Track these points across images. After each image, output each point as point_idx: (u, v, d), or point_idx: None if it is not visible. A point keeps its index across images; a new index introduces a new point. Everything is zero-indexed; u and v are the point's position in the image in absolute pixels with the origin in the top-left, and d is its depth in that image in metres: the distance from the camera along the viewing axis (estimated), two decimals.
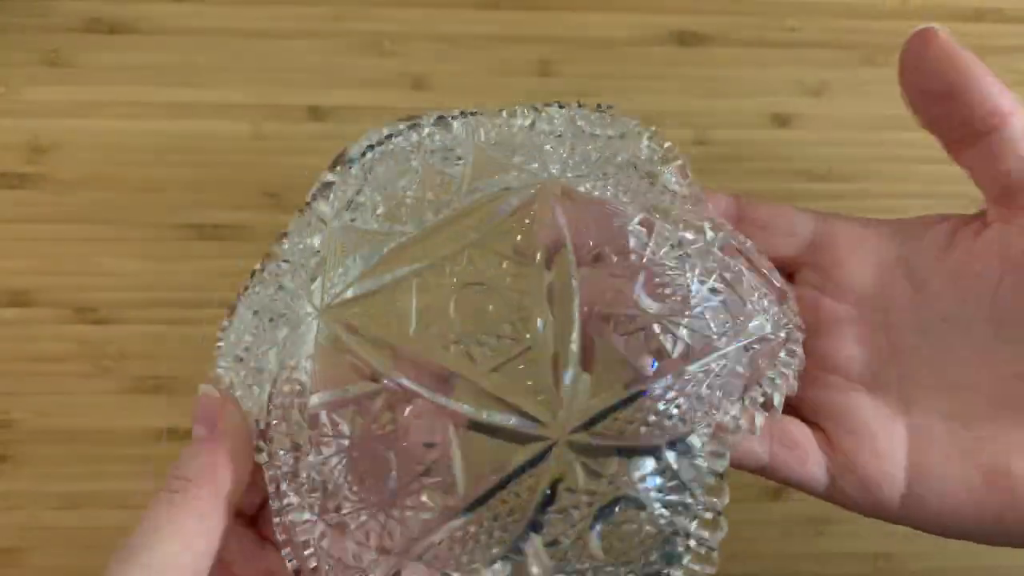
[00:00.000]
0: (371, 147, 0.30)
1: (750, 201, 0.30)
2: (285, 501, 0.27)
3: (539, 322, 0.26)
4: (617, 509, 0.25)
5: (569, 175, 0.29)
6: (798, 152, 0.41)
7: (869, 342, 0.27)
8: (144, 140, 0.39)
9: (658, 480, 0.26)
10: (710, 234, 0.28)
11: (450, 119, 0.30)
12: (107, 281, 0.39)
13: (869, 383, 0.27)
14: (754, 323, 0.27)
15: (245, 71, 0.40)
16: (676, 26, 0.42)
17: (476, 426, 0.26)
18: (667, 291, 0.27)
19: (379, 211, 0.29)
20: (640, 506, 0.25)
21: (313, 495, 0.26)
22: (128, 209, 0.39)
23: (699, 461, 0.26)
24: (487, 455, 0.26)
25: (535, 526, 0.25)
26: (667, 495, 0.26)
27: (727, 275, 0.27)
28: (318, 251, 0.29)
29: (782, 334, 0.27)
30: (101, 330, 0.39)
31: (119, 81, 0.40)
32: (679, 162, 0.31)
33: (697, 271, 0.27)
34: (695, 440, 0.26)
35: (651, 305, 0.27)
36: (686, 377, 0.26)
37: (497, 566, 0.25)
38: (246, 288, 0.30)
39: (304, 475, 0.26)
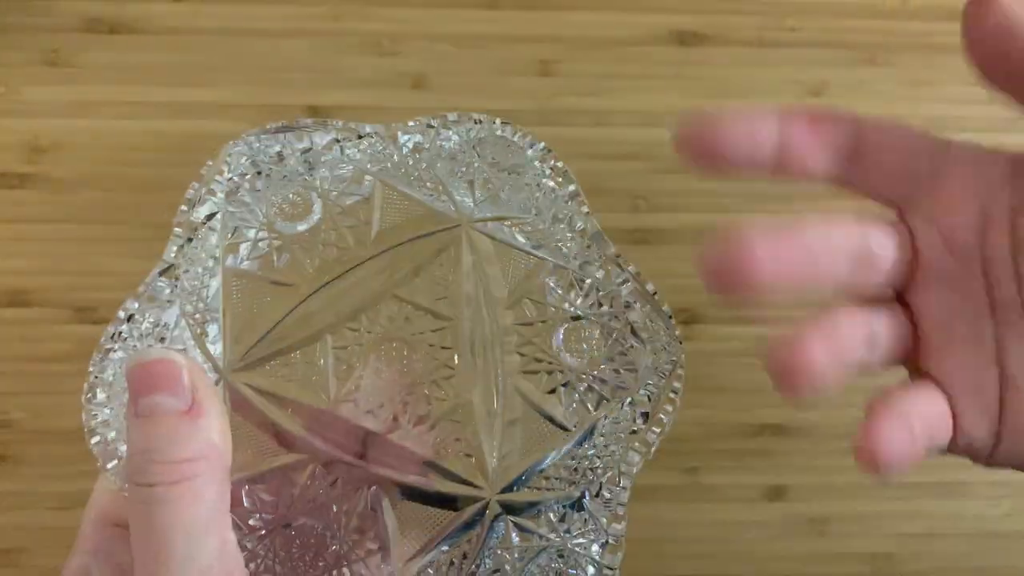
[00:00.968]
0: (258, 172, 0.28)
1: (870, 129, 0.26)
2: None
3: (463, 381, 0.26)
4: (542, 557, 0.26)
5: (479, 214, 0.28)
6: None
7: (967, 295, 0.25)
8: (144, 140, 0.39)
9: (576, 524, 0.26)
10: (615, 276, 0.28)
11: (340, 140, 0.29)
12: (107, 281, 0.39)
13: (967, 337, 0.26)
14: (651, 365, 0.27)
15: (245, 71, 0.40)
16: (676, 26, 0.42)
17: (407, 490, 0.25)
18: (583, 345, 0.27)
19: (282, 258, 0.26)
20: (562, 552, 0.26)
21: None
22: (128, 209, 0.39)
23: (609, 496, 0.26)
24: (422, 519, 0.25)
25: None
26: (583, 536, 0.26)
27: (630, 317, 0.28)
28: (210, 298, 0.26)
29: (672, 371, 0.28)
30: (101, 330, 0.38)
31: (119, 81, 0.40)
32: (579, 196, 0.30)
33: (607, 319, 0.27)
34: (604, 479, 0.26)
35: (569, 359, 0.27)
36: (603, 430, 0.26)
37: None
38: (115, 336, 0.26)
39: None
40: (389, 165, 0.28)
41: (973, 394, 0.26)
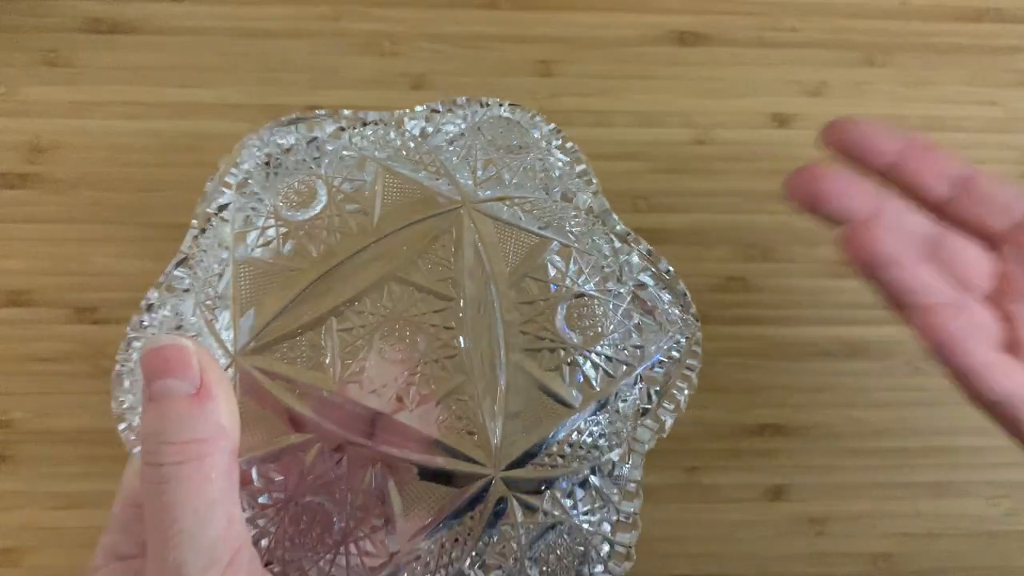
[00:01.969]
0: (267, 163, 0.29)
1: (975, 171, 0.30)
2: None
3: (467, 360, 0.26)
4: (550, 535, 0.26)
5: (481, 195, 0.28)
6: (798, 152, 0.41)
7: None
8: (144, 140, 0.39)
9: (584, 502, 0.26)
10: (623, 255, 0.29)
11: (346, 128, 0.29)
12: (107, 281, 0.39)
13: None
14: (662, 343, 0.28)
15: (245, 71, 0.40)
16: (676, 26, 0.42)
17: (412, 469, 0.25)
18: (586, 322, 0.27)
19: (288, 245, 0.27)
20: (570, 530, 0.26)
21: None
22: (128, 209, 0.39)
23: (619, 473, 0.27)
24: (427, 497, 0.25)
25: (476, 563, 0.25)
26: (592, 514, 0.26)
27: (640, 295, 0.28)
28: (222, 287, 0.27)
29: (683, 354, 0.28)
30: (101, 330, 0.39)
31: (119, 81, 0.40)
32: (588, 175, 0.30)
33: (612, 296, 0.27)
34: (615, 456, 0.27)
35: (571, 337, 0.27)
36: (607, 406, 0.27)
37: None
38: (138, 325, 0.27)
39: None
40: (392, 151, 0.29)
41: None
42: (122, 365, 0.26)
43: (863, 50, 0.42)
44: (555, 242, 0.28)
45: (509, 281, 0.27)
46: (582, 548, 0.26)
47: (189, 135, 0.40)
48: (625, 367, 0.27)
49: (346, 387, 0.25)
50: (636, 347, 0.27)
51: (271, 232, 0.27)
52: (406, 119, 0.30)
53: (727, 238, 0.41)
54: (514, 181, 0.29)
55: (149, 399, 0.23)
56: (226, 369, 0.25)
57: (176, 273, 0.27)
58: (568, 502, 0.26)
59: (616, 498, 0.26)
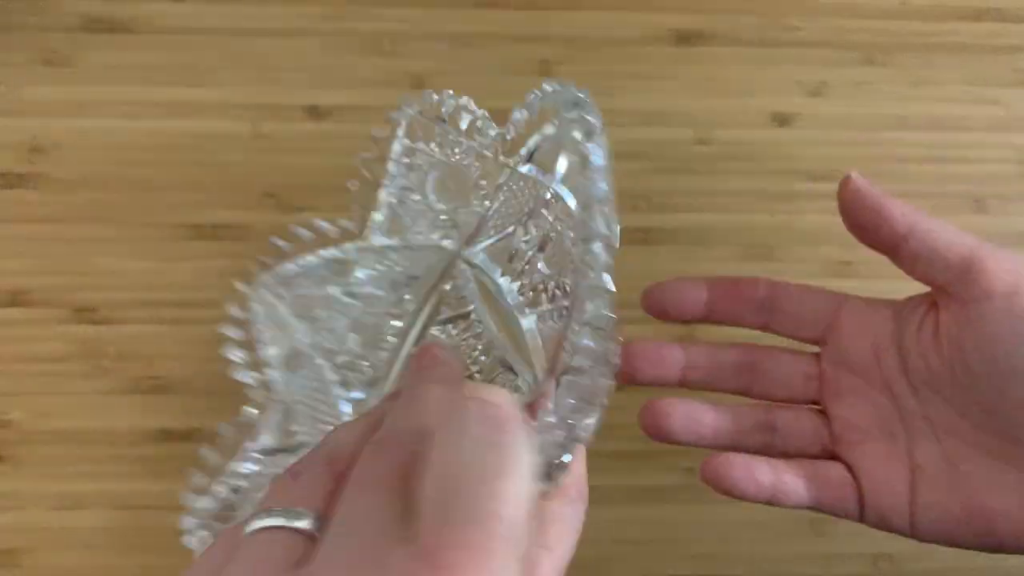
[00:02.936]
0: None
1: (781, 289, 0.34)
2: None
3: None
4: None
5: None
6: (798, 152, 0.41)
7: (876, 405, 0.32)
8: (144, 140, 0.39)
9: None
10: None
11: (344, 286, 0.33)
12: (107, 281, 0.39)
13: (880, 436, 0.32)
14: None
15: (245, 71, 0.40)
16: (676, 26, 0.42)
17: None
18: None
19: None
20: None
21: None
22: (128, 209, 0.39)
23: None
24: None
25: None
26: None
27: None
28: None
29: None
30: (101, 330, 0.39)
31: (119, 81, 0.40)
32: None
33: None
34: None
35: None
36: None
37: None
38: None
39: None
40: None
41: (884, 478, 0.31)
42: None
43: (863, 50, 0.42)
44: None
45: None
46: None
47: (189, 135, 0.40)
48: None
49: None
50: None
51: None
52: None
53: (727, 238, 0.41)
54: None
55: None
56: None
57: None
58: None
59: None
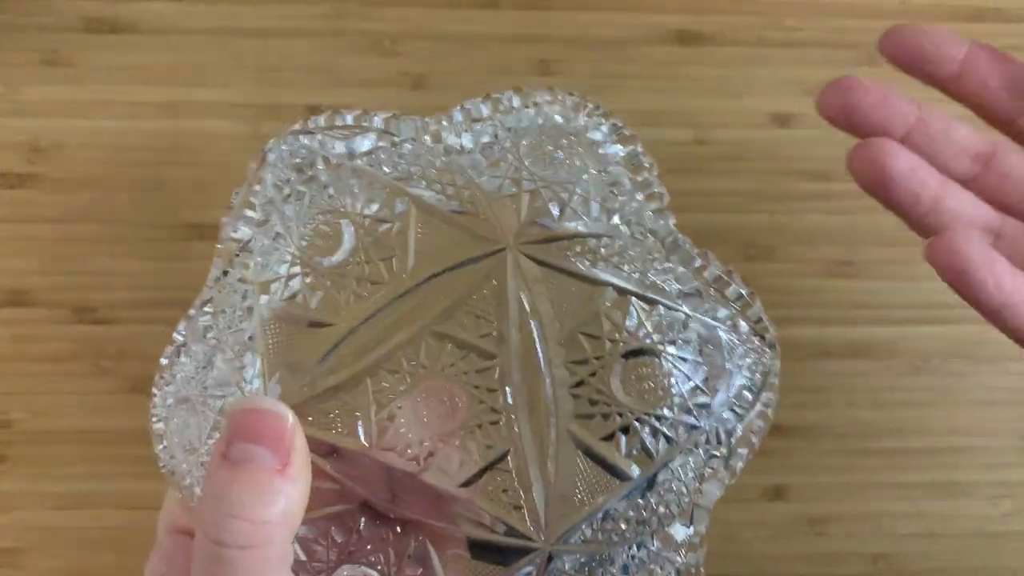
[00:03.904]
0: (288, 195, 0.26)
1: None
2: None
3: (512, 426, 0.24)
4: None
5: (527, 233, 0.26)
6: (798, 152, 0.41)
7: None
8: (144, 140, 0.39)
9: (641, 571, 0.25)
10: (688, 286, 0.26)
11: (375, 150, 0.27)
12: (107, 281, 0.39)
13: None
14: (732, 390, 0.25)
15: (245, 71, 0.40)
16: (676, 26, 0.42)
17: (455, 541, 0.24)
18: (645, 384, 0.25)
19: (315, 297, 0.25)
20: None
21: None
22: (128, 209, 0.39)
23: (678, 536, 0.25)
24: (473, 572, 0.24)
25: None
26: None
27: (707, 337, 0.26)
28: (247, 337, 0.25)
29: (757, 392, 0.26)
30: (101, 330, 0.39)
31: (119, 81, 0.40)
32: (651, 188, 0.28)
33: (676, 348, 0.25)
34: (677, 526, 0.25)
35: (628, 400, 0.24)
36: (668, 474, 0.25)
37: None
38: (170, 364, 0.25)
39: None
40: (425, 182, 0.26)
41: None
42: (158, 418, 0.25)
43: (863, 50, 0.42)
44: (610, 288, 0.25)
45: (559, 336, 0.25)
46: None
47: (189, 135, 0.40)
48: (690, 430, 0.25)
49: (382, 453, 0.24)
50: (701, 406, 0.25)
51: (296, 282, 0.25)
52: (444, 132, 0.27)
53: (727, 238, 0.41)
54: (569, 207, 0.26)
55: (225, 458, 0.21)
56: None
57: (201, 319, 0.25)
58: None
59: (677, 558, 0.25)
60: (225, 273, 0.26)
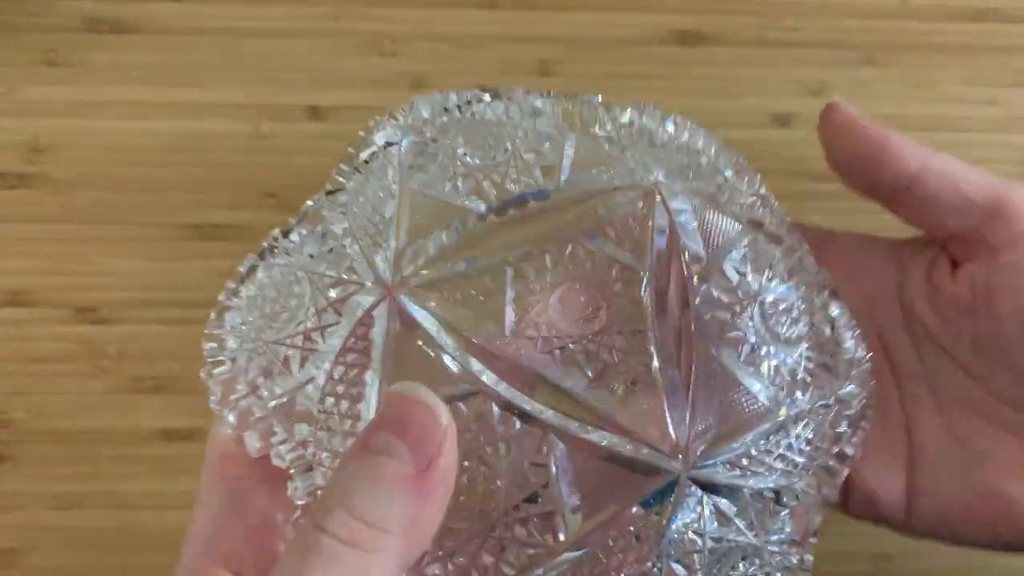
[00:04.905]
0: (445, 109, 0.25)
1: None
2: None
3: (654, 339, 0.23)
4: (739, 560, 0.23)
5: (675, 182, 0.25)
6: (798, 152, 0.41)
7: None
8: (144, 140, 0.39)
9: (784, 530, 0.23)
10: (810, 268, 0.26)
11: (536, 101, 0.26)
12: (107, 281, 0.39)
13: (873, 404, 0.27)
14: (847, 355, 0.25)
15: (245, 71, 0.40)
16: (676, 26, 0.42)
17: (585, 447, 0.22)
18: (781, 328, 0.24)
19: (460, 183, 0.24)
20: (757, 553, 0.23)
21: None
22: (128, 209, 0.39)
23: (805, 498, 0.24)
24: (601, 485, 0.22)
25: (655, 566, 0.22)
26: (783, 545, 0.23)
27: (832, 314, 0.25)
28: (385, 217, 0.23)
29: (864, 387, 0.25)
30: (101, 330, 0.39)
31: (119, 81, 0.40)
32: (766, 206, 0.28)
33: (806, 306, 0.25)
34: (810, 479, 0.24)
35: (767, 336, 0.24)
36: (807, 420, 0.24)
37: None
38: (271, 248, 0.24)
39: None
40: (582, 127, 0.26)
41: (874, 456, 0.26)
42: (229, 299, 0.24)
43: (863, 50, 0.42)
44: (747, 237, 0.25)
45: (704, 269, 0.24)
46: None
47: (189, 135, 0.40)
48: (827, 378, 0.24)
49: (518, 346, 0.22)
50: (825, 366, 0.24)
51: (448, 170, 0.24)
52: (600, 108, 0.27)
53: None
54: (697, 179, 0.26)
55: (364, 446, 0.19)
56: (377, 304, 0.22)
57: (327, 203, 0.24)
58: (774, 534, 0.23)
59: (800, 524, 0.24)
60: (366, 162, 0.25)
